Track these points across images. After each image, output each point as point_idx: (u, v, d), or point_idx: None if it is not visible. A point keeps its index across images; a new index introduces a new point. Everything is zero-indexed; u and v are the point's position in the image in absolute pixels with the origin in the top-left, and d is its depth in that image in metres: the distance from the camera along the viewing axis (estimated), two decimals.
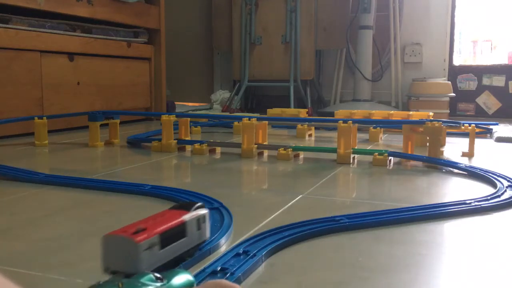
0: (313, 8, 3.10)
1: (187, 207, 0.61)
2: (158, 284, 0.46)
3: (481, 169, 1.27)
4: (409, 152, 1.54)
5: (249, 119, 1.58)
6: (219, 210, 0.89)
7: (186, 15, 3.74)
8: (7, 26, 1.93)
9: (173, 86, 3.62)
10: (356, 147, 1.57)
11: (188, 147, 1.69)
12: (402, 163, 1.47)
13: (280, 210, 0.94)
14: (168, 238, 0.55)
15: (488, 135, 2.09)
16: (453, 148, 1.74)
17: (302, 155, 1.58)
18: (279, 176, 1.30)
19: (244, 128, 1.55)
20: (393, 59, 3.21)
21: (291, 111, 2.30)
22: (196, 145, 1.61)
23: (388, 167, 1.41)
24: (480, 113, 3.16)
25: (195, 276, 0.60)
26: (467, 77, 3.18)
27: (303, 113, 2.26)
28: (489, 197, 1.00)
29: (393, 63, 3.21)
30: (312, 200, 1.03)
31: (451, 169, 1.35)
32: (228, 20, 3.31)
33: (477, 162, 1.48)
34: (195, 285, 0.49)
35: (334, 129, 1.70)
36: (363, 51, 3.04)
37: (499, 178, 1.16)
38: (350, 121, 1.48)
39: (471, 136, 1.59)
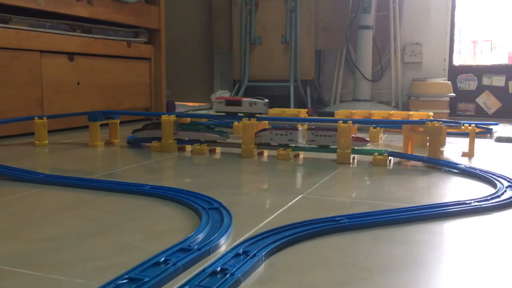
0: (313, 8, 3.10)
1: None
2: None
3: (481, 170, 1.27)
4: (409, 152, 1.54)
5: (249, 119, 1.58)
6: (218, 210, 0.89)
7: (186, 15, 3.74)
8: (7, 26, 1.93)
9: (173, 86, 3.62)
10: (356, 147, 1.57)
11: (188, 147, 1.69)
12: (402, 163, 1.47)
13: (280, 210, 0.94)
14: None
15: (488, 135, 2.09)
16: (453, 148, 1.74)
17: (302, 155, 1.58)
18: (279, 176, 1.30)
19: (244, 128, 1.55)
20: (393, 59, 3.21)
21: (291, 111, 2.29)
22: (196, 145, 1.61)
23: (388, 167, 1.41)
24: (480, 113, 3.16)
25: (195, 276, 0.60)
26: (467, 77, 3.18)
27: (303, 113, 2.25)
28: (489, 197, 1.00)
29: (393, 63, 3.21)
30: (312, 200, 1.03)
31: (451, 169, 1.35)
32: (228, 20, 3.32)
33: (477, 162, 1.48)
34: None
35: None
36: (363, 51, 3.04)
37: (499, 178, 1.16)
38: (350, 121, 1.48)
39: (471, 136, 1.59)
